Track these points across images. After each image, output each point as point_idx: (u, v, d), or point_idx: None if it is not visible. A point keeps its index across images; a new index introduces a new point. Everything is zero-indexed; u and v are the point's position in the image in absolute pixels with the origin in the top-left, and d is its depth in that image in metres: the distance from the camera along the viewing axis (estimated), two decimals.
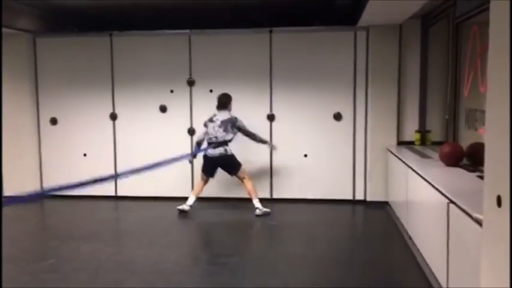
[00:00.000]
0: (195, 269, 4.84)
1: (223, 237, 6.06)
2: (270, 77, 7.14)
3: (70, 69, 7.49)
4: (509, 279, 1.88)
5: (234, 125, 6.52)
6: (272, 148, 6.90)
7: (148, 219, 6.48)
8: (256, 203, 6.50)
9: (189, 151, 7.09)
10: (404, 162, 5.51)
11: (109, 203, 7.40)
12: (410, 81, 6.97)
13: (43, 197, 7.44)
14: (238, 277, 4.53)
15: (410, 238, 5.13)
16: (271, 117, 7.19)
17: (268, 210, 6.53)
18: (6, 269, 4.48)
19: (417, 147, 6.63)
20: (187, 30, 7.27)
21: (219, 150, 6.47)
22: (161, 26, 7.29)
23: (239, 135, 6.60)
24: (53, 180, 7.58)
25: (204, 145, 6.61)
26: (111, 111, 7.47)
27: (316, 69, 7.05)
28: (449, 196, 3.59)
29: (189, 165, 7.15)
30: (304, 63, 7.07)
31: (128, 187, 7.50)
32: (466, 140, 5.52)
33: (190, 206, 6.55)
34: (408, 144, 6.88)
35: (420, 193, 4.70)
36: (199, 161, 6.78)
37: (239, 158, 6.63)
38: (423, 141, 6.88)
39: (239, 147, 6.83)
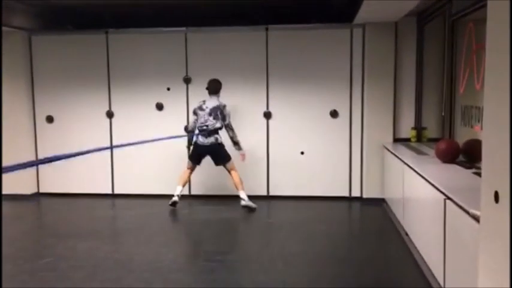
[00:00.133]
0: (192, 266, 4.85)
1: (220, 235, 6.07)
2: (267, 74, 7.15)
3: (66, 67, 7.48)
4: (509, 275, 1.90)
5: (221, 112, 6.53)
6: (242, 156, 6.74)
7: (145, 217, 6.49)
8: (242, 194, 6.53)
9: (186, 150, 7.07)
10: (400, 159, 5.53)
11: (106, 201, 7.40)
12: (406, 78, 7.00)
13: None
14: (236, 274, 4.54)
15: (406, 234, 5.16)
16: (267, 115, 7.20)
17: (254, 205, 6.54)
18: (4, 268, 4.48)
19: (413, 144, 6.66)
20: (184, 28, 7.27)
21: (211, 140, 6.51)
22: (157, 24, 7.28)
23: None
24: (50, 178, 7.58)
25: (196, 132, 6.63)
26: (107, 109, 7.47)
27: (312, 66, 7.07)
28: (446, 192, 3.61)
29: (187, 164, 7.13)
30: (301, 60, 7.08)
31: (124, 185, 7.51)
32: (461, 136, 5.55)
33: (178, 195, 6.55)
34: (404, 141, 6.91)
35: (417, 190, 4.72)
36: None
37: (235, 155, 6.65)
38: (419, 138, 6.92)
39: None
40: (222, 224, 6.34)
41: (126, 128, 7.42)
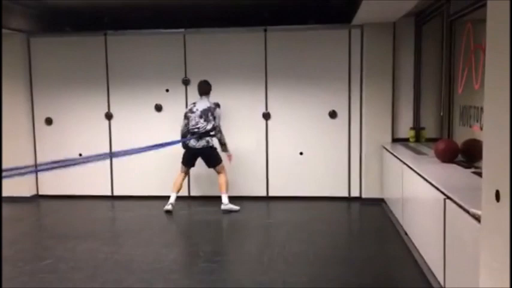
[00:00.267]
0: (192, 267, 4.85)
1: (220, 236, 6.09)
2: (265, 75, 7.16)
3: (65, 69, 7.48)
4: (509, 274, 1.91)
5: (212, 114, 6.54)
6: (229, 157, 6.81)
7: (144, 218, 6.49)
8: (224, 198, 6.56)
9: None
10: (399, 159, 5.55)
11: (105, 202, 7.40)
12: (404, 78, 7.02)
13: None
14: (236, 275, 4.55)
15: (406, 234, 5.18)
16: (266, 116, 7.22)
17: (237, 207, 6.56)
18: (4, 269, 4.50)
19: (412, 144, 6.69)
20: (182, 30, 7.28)
21: (202, 143, 6.53)
22: (156, 25, 7.29)
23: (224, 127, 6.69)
24: (49, 180, 7.58)
25: (188, 136, 6.64)
26: (106, 110, 7.47)
27: (311, 67, 7.08)
28: (446, 192, 3.62)
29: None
30: (299, 61, 7.09)
31: (123, 187, 7.51)
32: (460, 136, 5.57)
33: (172, 204, 6.56)
34: (403, 141, 6.93)
35: (416, 189, 4.74)
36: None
37: (234, 155, 6.67)
38: (417, 138, 6.94)
39: (235, 145, 6.88)
40: (221, 224, 6.35)
41: (125, 129, 7.42)
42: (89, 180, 7.52)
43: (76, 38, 7.49)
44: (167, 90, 7.34)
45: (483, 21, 2.23)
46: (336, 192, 7.19)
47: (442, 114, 6.41)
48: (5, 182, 6.66)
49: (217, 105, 6.77)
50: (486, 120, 2.24)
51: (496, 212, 2.04)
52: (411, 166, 4.93)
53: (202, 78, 6.81)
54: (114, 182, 7.54)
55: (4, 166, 2.94)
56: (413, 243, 4.81)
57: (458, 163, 4.76)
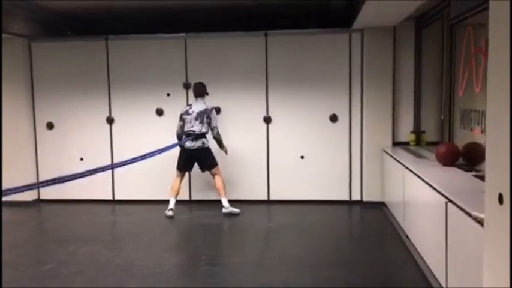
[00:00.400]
0: (194, 270, 4.85)
1: (221, 239, 6.09)
2: (266, 79, 7.18)
3: (66, 73, 7.49)
4: (510, 275, 1.92)
5: (208, 116, 6.57)
6: (226, 152, 6.86)
7: (146, 222, 6.49)
8: (224, 201, 6.57)
9: None
10: (400, 163, 5.56)
11: (106, 206, 7.40)
12: (404, 82, 7.04)
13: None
14: (238, 278, 4.55)
15: (407, 237, 5.18)
16: (267, 120, 7.23)
17: (237, 210, 6.56)
18: (6, 274, 4.49)
19: (412, 148, 6.69)
20: (183, 34, 7.30)
21: (198, 144, 6.54)
22: (157, 30, 7.31)
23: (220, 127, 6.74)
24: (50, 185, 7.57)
25: (184, 138, 6.65)
26: (107, 115, 7.48)
27: (311, 71, 7.10)
28: (448, 195, 3.63)
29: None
30: (300, 65, 7.11)
31: (125, 191, 7.51)
32: (461, 140, 5.58)
33: (172, 209, 6.56)
34: (403, 144, 6.93)
35: (417, 193, 4.74)
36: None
37: (235, 159, 6.67)
38: (418, 142, 6.95)
39: (235, 148, 6.88)
40: (222, 228, 6.36)
41: (126, 134, 7.43)
42: (90, 185, 7.48)
43: (77, 43, 7.51)
44: (168, 95, 7.35)
45: (483, 25, 2.24)
46: (336, 196, 7.19)
47: (442, 117, 6.43)
48: (4, 186, 6.71)
49: (213, 108, 6.75)
50: (489, 122, 2.25)
51: (499, 215, 2.05)
52: (412, 169, 4.93)
53: (203, 82, 6.81)
54: (115, 186, 7.54)
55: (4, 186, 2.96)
56: (414, 247, 4.81)
57: (459, 166, 4.76)
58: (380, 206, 6.84)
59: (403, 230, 5.43)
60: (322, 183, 7.20)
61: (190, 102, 6.86)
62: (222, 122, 6.99)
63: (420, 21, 6.81)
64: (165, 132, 7.26)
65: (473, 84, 5.12)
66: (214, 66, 7.23)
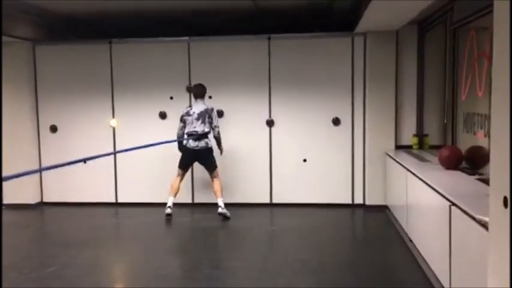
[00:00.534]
0: (197, 273, 4.85)
1: (223, 242, 6.09)
2: (269, 83, 7.19)
3: (70, 76, 7.52)
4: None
5: (209, 116, 6.59)
6: (221, 151, 6.86)
7: (149, 225, 6.50)
8: (220, 202, 6.56)
9: None
10: (403, 166, 5.56)
11: (109, 209, 7.41)
12: (407, 85, 7.05)
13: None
14: (241, 281, 4.54)
15: (410, 241, 5.18)
16: (270, 123, 7.24)
17: (229, 214, 6.53)
18: (10, 276, 4.51)
19: (415, 151, 6.70)
20: (186, 38, 7.32)
21: (201, 144, 6.58)
22: (160, 33, 7.33)
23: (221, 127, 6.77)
24: (53, 188, 7.60)
25: (185, 137, 6.68)
26: (111, 118, 7.50)
27: (314, 75, 7.11)
28: (451, 199, 3.63)
29: (189, 173, 7.13)
30: (303, 69, 7.13)
31: (128, 194, 7.52)
32: (464, 143, 5.58)
33: (170, 207, 6.57)
34: (406, 148, 6.95)
35: (421, 196, 4.75)
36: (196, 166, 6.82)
37: (238, 162, 6.68)
38: (421, 145, 6.96)
39: (238, 152, 6.90)
40: (225, 231, 6.36)
41: (129, 137, 7.44)
42: (93, 188, 7.55)
43: (81, 46, 7.54)
44: (171, 98, 7.37)
45: (486, 28, 2.25)
46: (339, 199, 7.20)
47: (445, 121, 6.44)
48: (9, 189, 6.73)
49: (213, 108, 6.77)
50: (493, 126, 2.25)
51: (504, 218, 2.05)
52: (415, 173, 4.94)
53: (207, 85, 6.83)
54: (118, 189, 7.56)
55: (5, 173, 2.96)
56: (418, 250, 4.82)
57: (463, 170, 4.77)
58: (383, 209, 6.85)
59: (406, 234, 5.43)
60: (324, 186, 7.21)
61: (190, 103, 6.87)
62: (224, 125, 7.01)
63: (423, 25, 6.82)
64: (168, 135, 7.25)
65: (476, 88, 5.13)
66: (217, 70, 7.25)
